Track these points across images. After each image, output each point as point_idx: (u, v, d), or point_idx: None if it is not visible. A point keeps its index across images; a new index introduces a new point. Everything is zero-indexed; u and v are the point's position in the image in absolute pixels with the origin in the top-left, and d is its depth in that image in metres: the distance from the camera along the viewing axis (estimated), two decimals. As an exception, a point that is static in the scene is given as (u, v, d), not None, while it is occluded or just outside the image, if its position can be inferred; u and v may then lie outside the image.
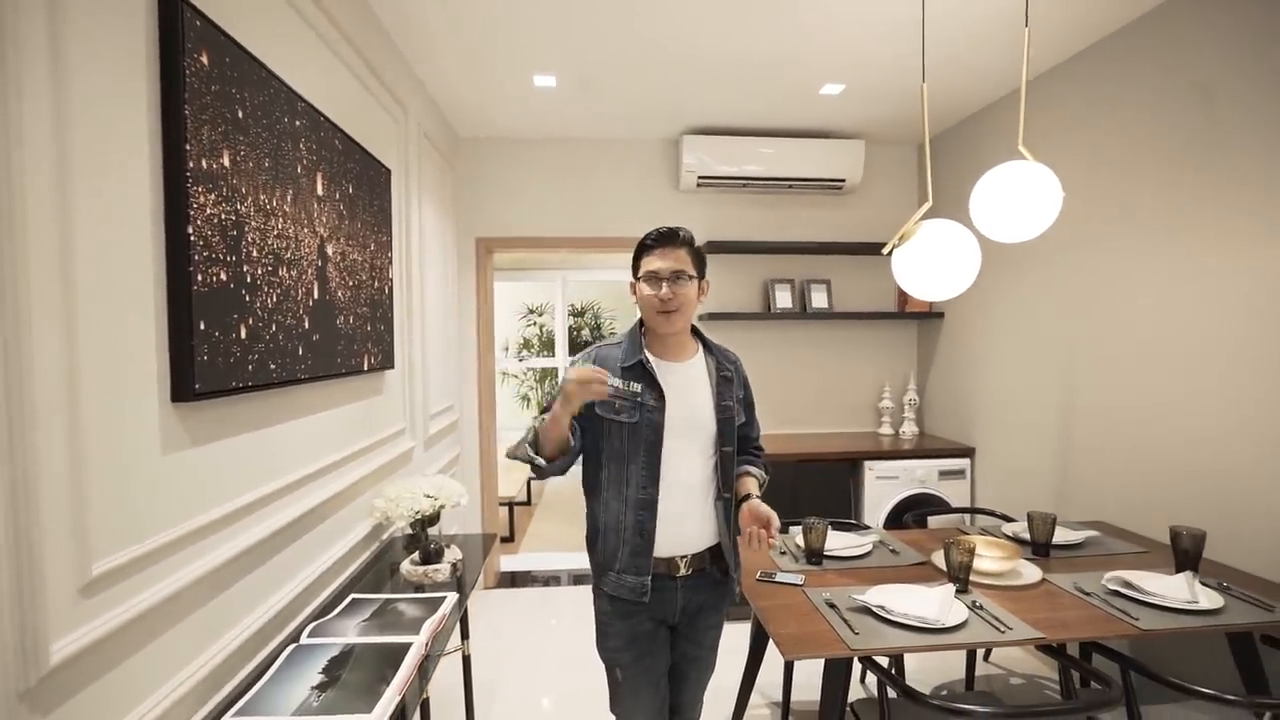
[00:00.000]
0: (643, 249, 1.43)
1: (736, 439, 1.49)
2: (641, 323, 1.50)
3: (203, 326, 1.15)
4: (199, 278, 1.13)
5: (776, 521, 1.37)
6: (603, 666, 1.50)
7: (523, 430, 1.39)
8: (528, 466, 1.37)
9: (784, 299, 3.49)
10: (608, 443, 1.42)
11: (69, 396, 0.90)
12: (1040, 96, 2.56)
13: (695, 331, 1.53)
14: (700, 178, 3.32)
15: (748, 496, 1.46)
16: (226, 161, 1.22)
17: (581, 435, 1.41)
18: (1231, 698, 1.30)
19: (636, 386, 1.38)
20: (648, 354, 1.44)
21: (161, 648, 1.09)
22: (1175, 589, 1.58)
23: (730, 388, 1.49)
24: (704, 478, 1.44)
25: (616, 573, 1.42)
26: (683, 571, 1.43)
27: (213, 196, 1.17)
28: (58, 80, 0.89)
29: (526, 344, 6.99)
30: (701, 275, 1.44)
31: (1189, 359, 2.03)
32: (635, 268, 1.45)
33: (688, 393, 1.44)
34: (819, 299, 3.52)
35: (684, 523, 1.42)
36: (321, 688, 1.19)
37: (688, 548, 1.43)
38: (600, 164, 3.46)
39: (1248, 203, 1.85)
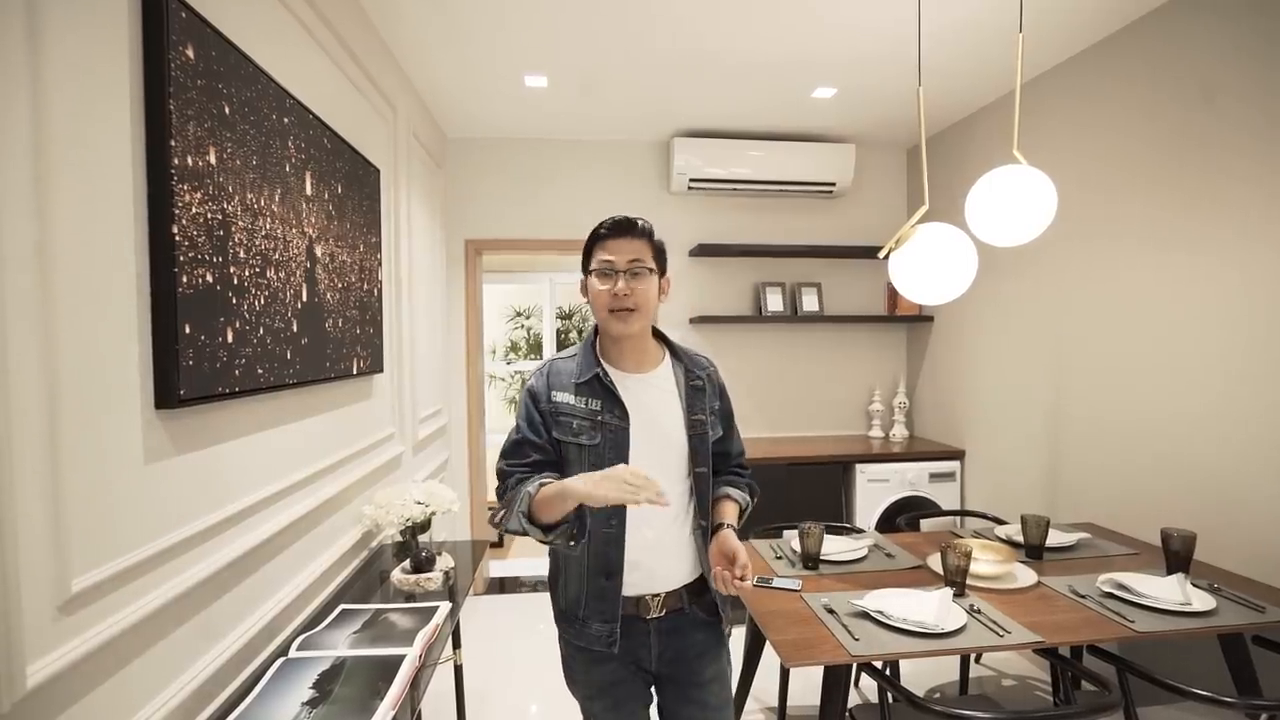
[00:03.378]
0: (595, 239, 1.23)
1: (712, 457, 1.30)
2: (596, 330, 1.30)
3: (188, 330, 1.10)
4: (184, 279, 1.09)
5: (744, 559, 1.16)
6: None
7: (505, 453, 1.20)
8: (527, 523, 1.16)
9: (775, 302, 3.49)
10: (567, 470, 1.22)
11: (47, 404, 0.86)
12: (1032, 101, 2.59)
13: (659, 336, 1.34)
14: (691, 180, 3.31)
15: (720, 526, 1.26)
16: (213, 159, 1.18)
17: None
18: (1228, 699, 1.31)
19: (595, 404, 1.21)
20: (604, 366, 1.24)
21: (145, 665, 1.05)
22: (1168, 591, 1.59)
23: (702, 399, 1.29)
24: (677, 505, 1.24)
25: (581, 620, 1.24)
26: (654, 613, 1.24)
27: (198, 195, 1.13)
28: (35, 72, 0.85)
29: (514, 347, 6.94)
30: (663, 271, 1.25)
31: (1178, 362, 2.06)
32: (586, 261, 1.25)
33: (654, 408, 1.25)
34: (810, 302, 3.52)
35: (655, 558, 1.23)
36: (313, 703, 1.15)
37: (659, 585, 1.24)
38: (591, 166, 3.44)
39: (1241, 208, 1.87)
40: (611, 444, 1.20)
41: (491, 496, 4.03)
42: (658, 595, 1.24)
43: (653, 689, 1.34)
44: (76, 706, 0.90)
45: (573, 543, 1.16)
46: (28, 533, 0.83)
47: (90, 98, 0.94)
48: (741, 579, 1.14)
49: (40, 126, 0.85)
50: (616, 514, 1.20)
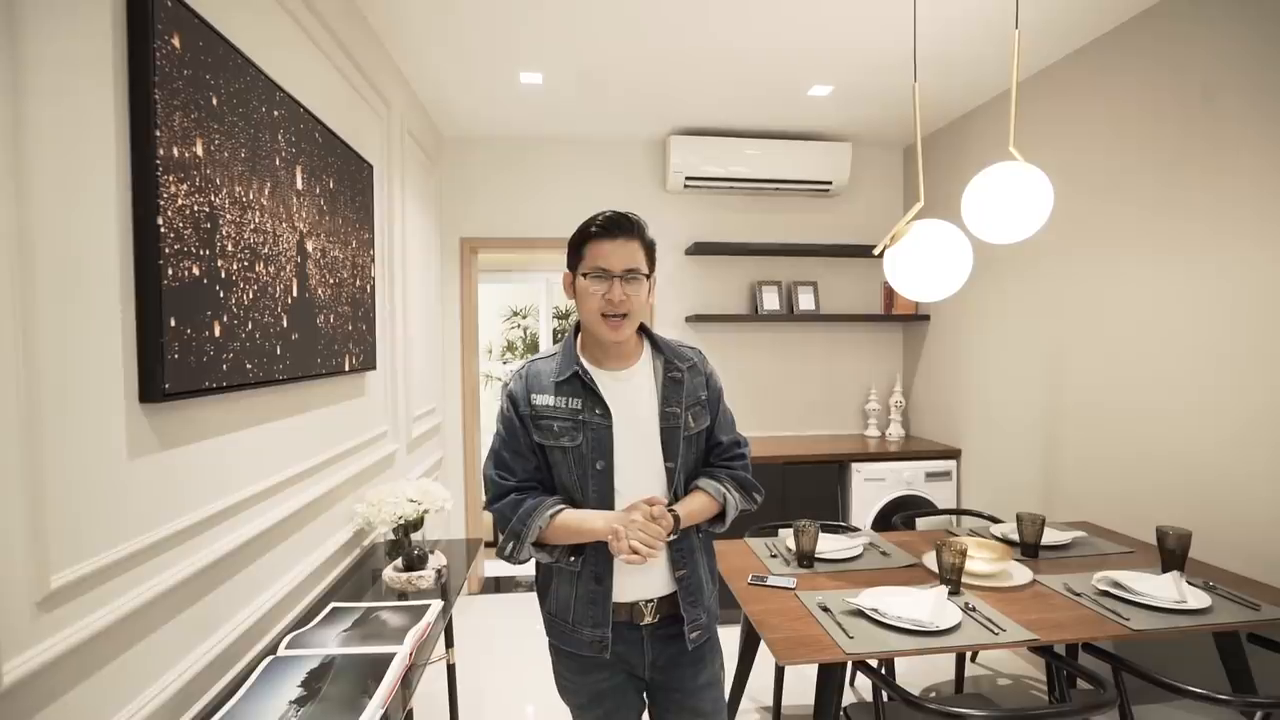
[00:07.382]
0: (587, 236, 1.17)
1: (689, 451, 1.25)
2: (578, 327, 1.26)
3: (173, 323, 1.09)
4: (170, 271, 1.08)
5: (657, 528, 1.12)
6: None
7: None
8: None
9: (771, 301, 3.49)
10: (554, 474, 1.22)
11: (26, 396, 0.84)
12: (1028, 99, 2.58)
13: (642, 329, 1.29)
14: (688, 179, 3.30)
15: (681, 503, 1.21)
16: (200, 150, 1.16)
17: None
18: (1224, 697, 1.30)
19: (576, 403, 1.18)
20: (583, 363, 1.21)
21: (128, 664, 1.03)
22: (1163, 589, 1.58)
23: (678, 390, 1.23)
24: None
25: (571, 625, 1.22)
26: (648, 619, 1.22)
27: (185, 186, 1.12)
28: (14, 59, 0.83)
29: (510, 347, 6.92)
30: (651, 271, 1.21)
31: (1174, 361, 2.05)
32: (575, 259, 1.19)
33: (634, 404, 1.22)
34: (806, 301, 3.52)
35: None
36: (300, 702, 1.13)
37: (651, 590, 1.22)
38: (587, 164, 3.42)
39: (1240, 208, 1.87)
40: (594, 443, 1.18)
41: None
42: (650, 601, 1.23)
43: (644, 695, 1.33)
44: (56, 704, 0.89)
45: (573, 558, 1.22)
46: (5, 527, 0.81)
47: (72, 88, 0.93)
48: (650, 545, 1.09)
49: (19, 113, 0.84)
50: None
